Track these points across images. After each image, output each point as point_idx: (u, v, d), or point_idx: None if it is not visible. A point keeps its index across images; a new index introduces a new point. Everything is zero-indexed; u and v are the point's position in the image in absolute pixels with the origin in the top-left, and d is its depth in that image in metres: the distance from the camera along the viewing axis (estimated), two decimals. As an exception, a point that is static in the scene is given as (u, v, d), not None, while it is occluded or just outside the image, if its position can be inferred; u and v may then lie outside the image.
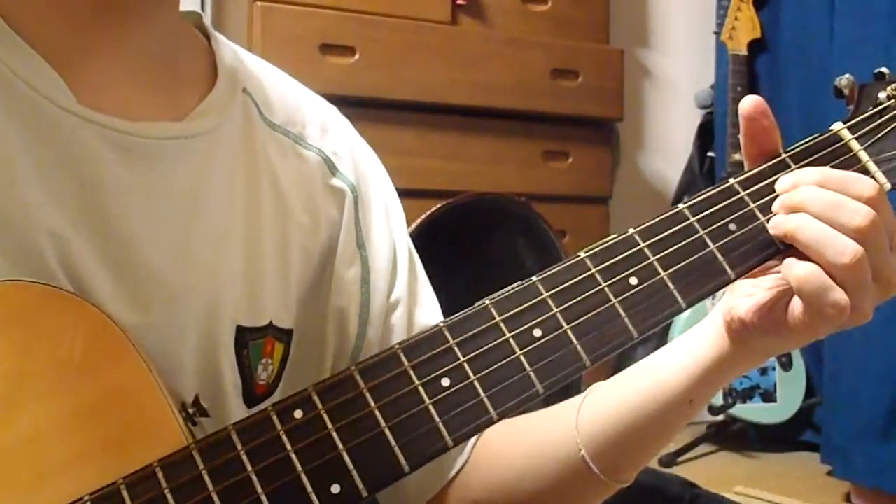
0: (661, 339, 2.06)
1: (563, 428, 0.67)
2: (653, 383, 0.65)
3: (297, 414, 0.51)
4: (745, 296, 0.61)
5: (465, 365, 0.53)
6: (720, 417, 2.22)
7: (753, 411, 2.19)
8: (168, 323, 0.60)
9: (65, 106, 0.58)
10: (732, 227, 0.58)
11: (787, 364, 2.24)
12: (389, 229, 0.75)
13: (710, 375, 0.63)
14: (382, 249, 0.73)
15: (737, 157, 2.22)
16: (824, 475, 1.96)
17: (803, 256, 0.57)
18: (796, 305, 0.58)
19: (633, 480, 0.68)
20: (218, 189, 0.65)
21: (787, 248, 0.58)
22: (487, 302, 0.55)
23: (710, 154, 2.45)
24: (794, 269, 0.56)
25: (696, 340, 0.64)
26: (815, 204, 0.57)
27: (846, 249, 0.55)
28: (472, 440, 0.72)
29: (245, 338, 0.65)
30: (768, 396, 2.21)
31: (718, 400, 2.17)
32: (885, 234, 0.57)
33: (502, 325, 0.54)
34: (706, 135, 2.48)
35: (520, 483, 0.70)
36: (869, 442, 1.80)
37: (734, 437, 2.23)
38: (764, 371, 2.22)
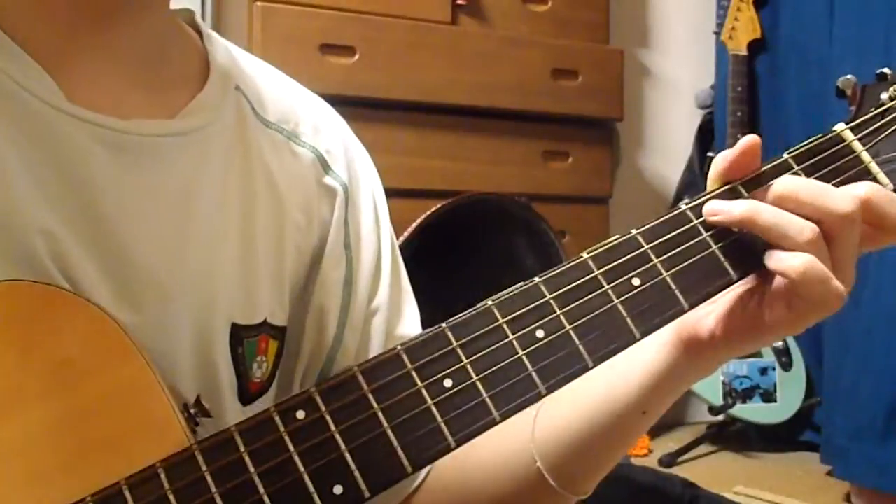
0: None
1: (520, 439, 0.67)
2: (605, 395, 0.64)
3: (300, 415, 0.51)
4: (703, 314, 0.61)
5: (468, 366, 0.53)
6: (720, 417, 2.22)
7: (753, 411, 2.19)
8: (162, 322, 0.60)
9: (55, 104, 0.58)
10: (735, 227, 0.58)
11: (787, 364, 2.24)
12: (377, 232, 0.74)
13: (662, 387, 0.63)
14: (367, 252, 0.73)
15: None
16: (824, 475, 1.96)
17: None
18: (780, 299, 0.57)
19: (591, 491, 0.67)
20: (211, 186, 0.64)
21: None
22: (490, 303, 0.55)
23: (710, 154, 2.45)
24: (791, 261, 0.55)
25: (648, 352, 0.63)
26: (804, 191, 0.57)
27: (804, 228, 0.55)
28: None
29: (240, 335, 0.65)
30: (768, 396, 2.21)
31: (718, 400, 2.17)
32: (857, 234, 0.57)
33: (505, 326, 0.54)
34: (706, 135, 2.48)
35: (480, 494, 0.70)
36: (869, 442, 1.80)
37: (734, 437, 2.23)
38: (764, 371, 2.22)
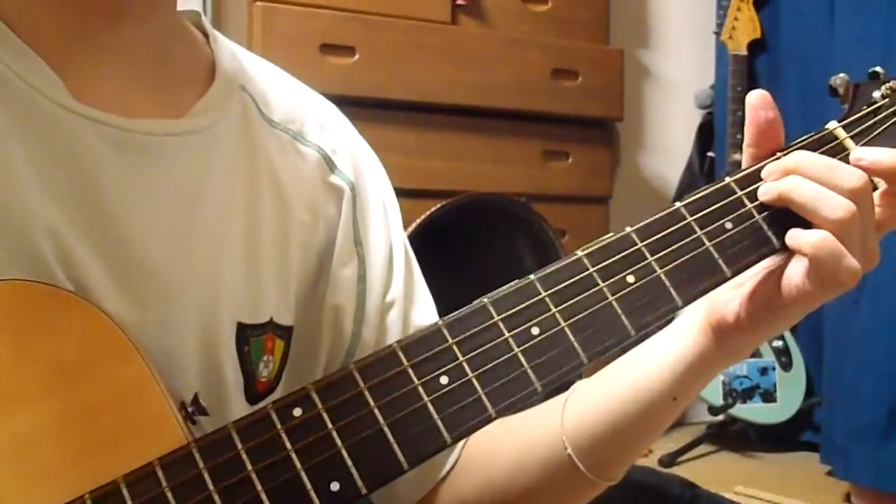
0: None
1: (550, 426, 0.67)
2: (636, 381, 0.65)
3: (297, 412, 0.51)
4: (728, 298, 0.62)
5: (464, 363, 0.53)
6: (720, 417, 2.22)
7: (753, 411, 2.19)
8: (167, 320, 0.60)
9: (62, 103, 0.58)
10: (729, 225, 0.59)
11: (787, 364, 2.24)
12: (387, 228, 0.75)
13: (693, 373, 0.63)
14: (379, 248, 0.74)
15: (736, 157, 2.23)
16: (824, 475, 1.96)
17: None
18: (795, 275, 0.58)
19: (620, 478, 0.68)
20: (217, 186, 0.65)
21: (783, 246, 0.58)
22: (486, 300, 0.55)
23: (710, 154, 2.45)
24: (807, 237, 0.57)
25: (679, 338, 0.64)
26: (810, 166, 0.58)
27: (840, 205, 0.56)
28: (461, 442, 0.72)
29: (246, 334, 0.65)
30: (768, 396, 2.21)
31: (718, 400, 2.17)
32: (873, 202, 0.59)
33: (500, 323, 0.54)
34: (706, 135, 2.48)
35: (508, 482, 0.70)
36: (869, 442, 1.80)
37: (734, 437, 2.23)
38: (764, 371, 2.22)
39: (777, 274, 0.59)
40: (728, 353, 0.63)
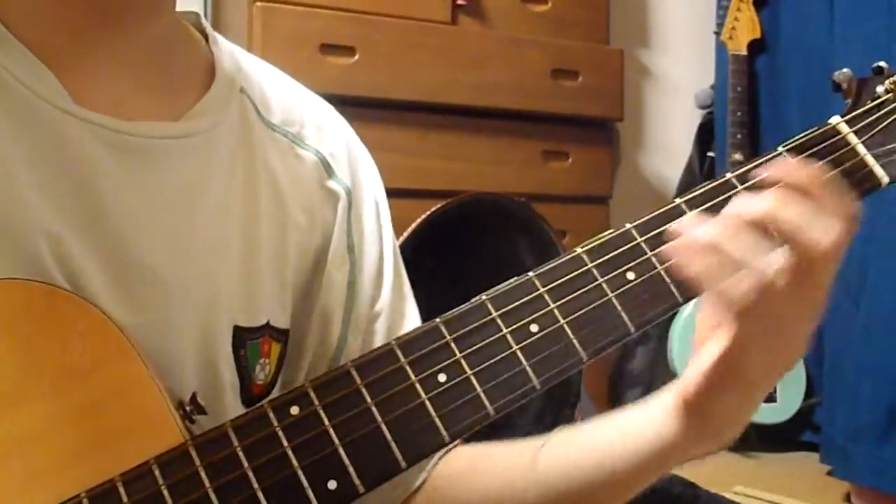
0: (662, 336, 2.06)
1: (522, 468, 0.67)
2: (606, 454, 0.65)
3: (294, 410, 0.51)
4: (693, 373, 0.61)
5: (462, 360, 0.53)
6: (720, 417, 2.21)
7: (753, 411, 2.19)
8: (165, 322, 0.60)
9: (61, 106, 0.58)
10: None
11: (787, 364, 2.23)
12: (379, 237, 0.75)
13: (658, 459, 0.63)
14: (370, 255, 0.73)
15: (737, 156, 2.23)
16: (824, 475, 1.95)
17: None
18: (778, 297, 0.56)
19: None
20: (215, 188, 0.65)
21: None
22: (484, 297, 0.55)
23: (710, 154, 2.45)
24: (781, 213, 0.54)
25: (655, 419, 0.63)
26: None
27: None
28: (434, 460, 0.72)
29: (242, 338, 0.65)
30: (768, 396, 2.20)
31: (719, 400, 2.17)
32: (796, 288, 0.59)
33: (499, 320, 0.54)
34: (706, 135, 2.48)
35: None
36: (869, 442, 1.80)
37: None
38: (764, 371, 2.21)
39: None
40: (701, 434, 0.63)
